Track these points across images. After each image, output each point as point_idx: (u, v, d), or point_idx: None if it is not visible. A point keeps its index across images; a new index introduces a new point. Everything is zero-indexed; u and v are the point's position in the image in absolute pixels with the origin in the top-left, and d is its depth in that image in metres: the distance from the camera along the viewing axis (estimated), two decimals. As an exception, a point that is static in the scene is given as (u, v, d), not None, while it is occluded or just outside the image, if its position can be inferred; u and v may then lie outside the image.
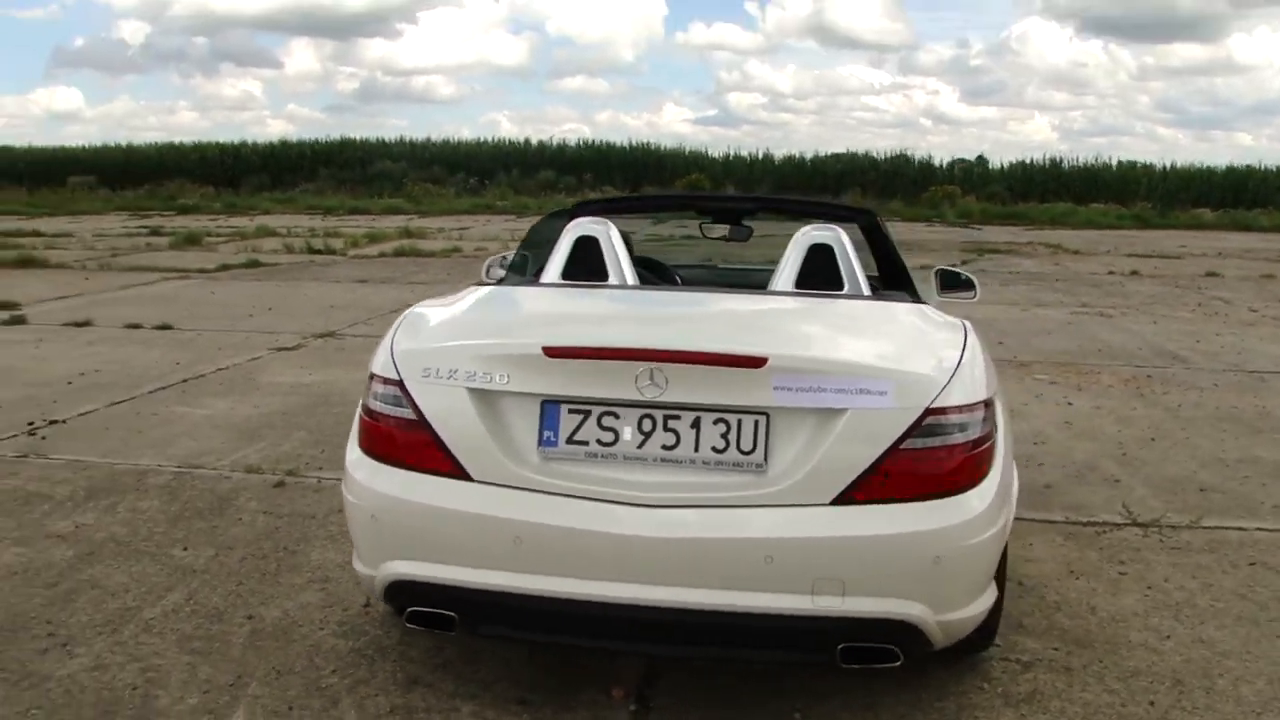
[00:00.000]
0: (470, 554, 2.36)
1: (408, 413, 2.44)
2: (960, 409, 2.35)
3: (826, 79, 68.60)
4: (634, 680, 2.71)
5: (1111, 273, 12.98)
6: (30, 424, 5.07)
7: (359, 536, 2.54)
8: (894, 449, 2.28)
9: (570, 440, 2.36)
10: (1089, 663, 2.86)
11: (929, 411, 2.30)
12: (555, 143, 39.88)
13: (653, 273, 3.96)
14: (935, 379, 2.35)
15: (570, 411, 2.36)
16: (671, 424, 2.33)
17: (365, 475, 2.50)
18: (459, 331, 2.64)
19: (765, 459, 2.30)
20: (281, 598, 3.20)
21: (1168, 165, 32.02)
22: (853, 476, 2.27)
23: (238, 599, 3.19)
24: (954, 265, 4.26)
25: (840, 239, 3.13)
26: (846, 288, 3.08)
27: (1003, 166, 33.20)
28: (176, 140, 42.10)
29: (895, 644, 2.30)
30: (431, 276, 11.73)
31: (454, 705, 2.60)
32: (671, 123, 62.01)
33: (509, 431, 2.39)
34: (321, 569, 3.41)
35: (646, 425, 2.34)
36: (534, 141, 40.31)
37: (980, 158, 35.64)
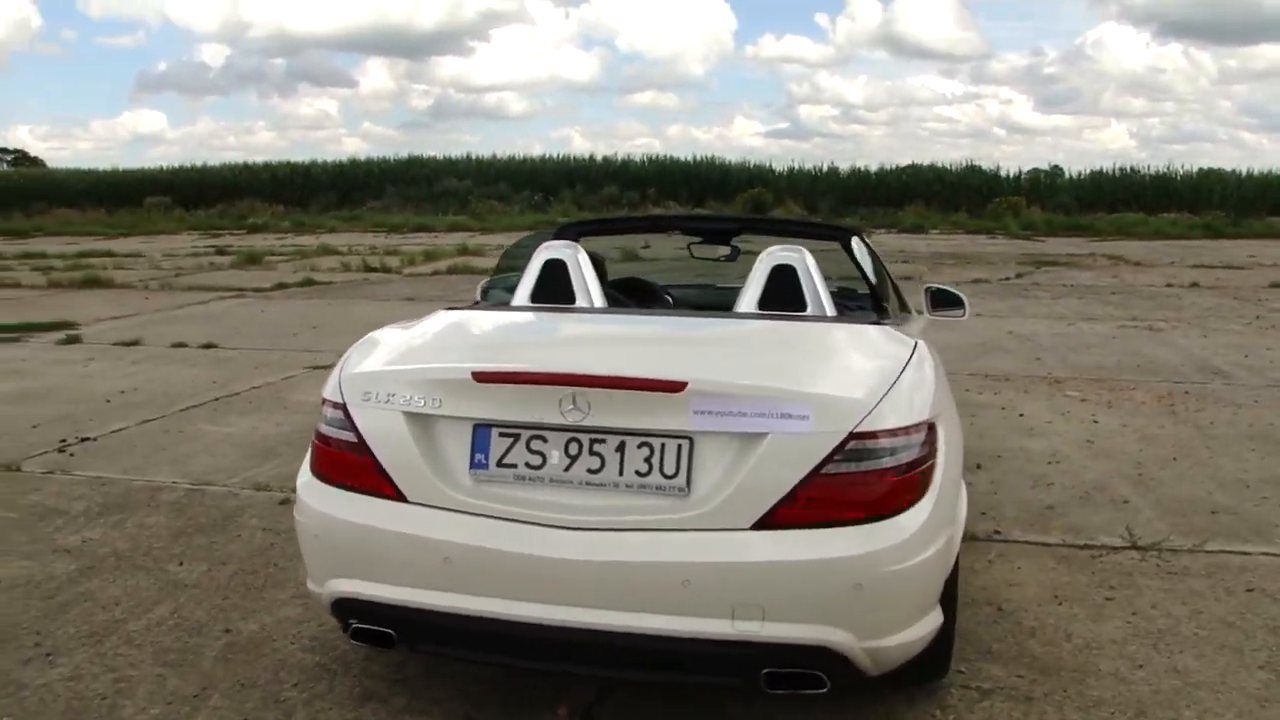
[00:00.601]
0: (405, 573, 2.41)
1: (350, 436, 2.51)
2: (890, 433, 2.33)
3: (898, 90, 68.03)
4: (581, 700, 2.73)
5: (1170, 285, 12.62)
6: (62, 441, 5.29)
7: (306, 555, 2.62)
8: (815, 473, 2.27)
9: (500, 463, 2.40)
10: (1051, 691, 2.80)
11: (852, 436, 2.29)
12: (620, 158, 40.14)
13: (642, 294, 4.00)
14: (862, 402, 2.33)
15: (500, 435, 2.41)
16: (597, 448, 2.36)
17: (312, 496, 2.58)
18: (400, 356, 2.70)
19: (688, 483, 2.31)
20: (262, 612, 3.29)
21: (1243, 172, 31.06)
22: (772, 501, 2.26)
23: (220, 613, 3.29)
24: (945, 284, 4.21)
25: (804, 260, 3.12)
26: (809, 308, 3.08)
27: (1077, 176, 32.64)
28: (254, 160, 43.37)
29: (821, 670, 2.29)
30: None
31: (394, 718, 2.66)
32: (742, 136, 62.03)
33: (443, 454, 2.44)
34: (305, 585, 3.49)
35: (573, 449, 2.37)
36: (599, 157, 40.67)
37: (1055, 167, 35.02)
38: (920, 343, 2.85)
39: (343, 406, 2.54)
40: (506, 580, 2.33)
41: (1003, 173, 32.89)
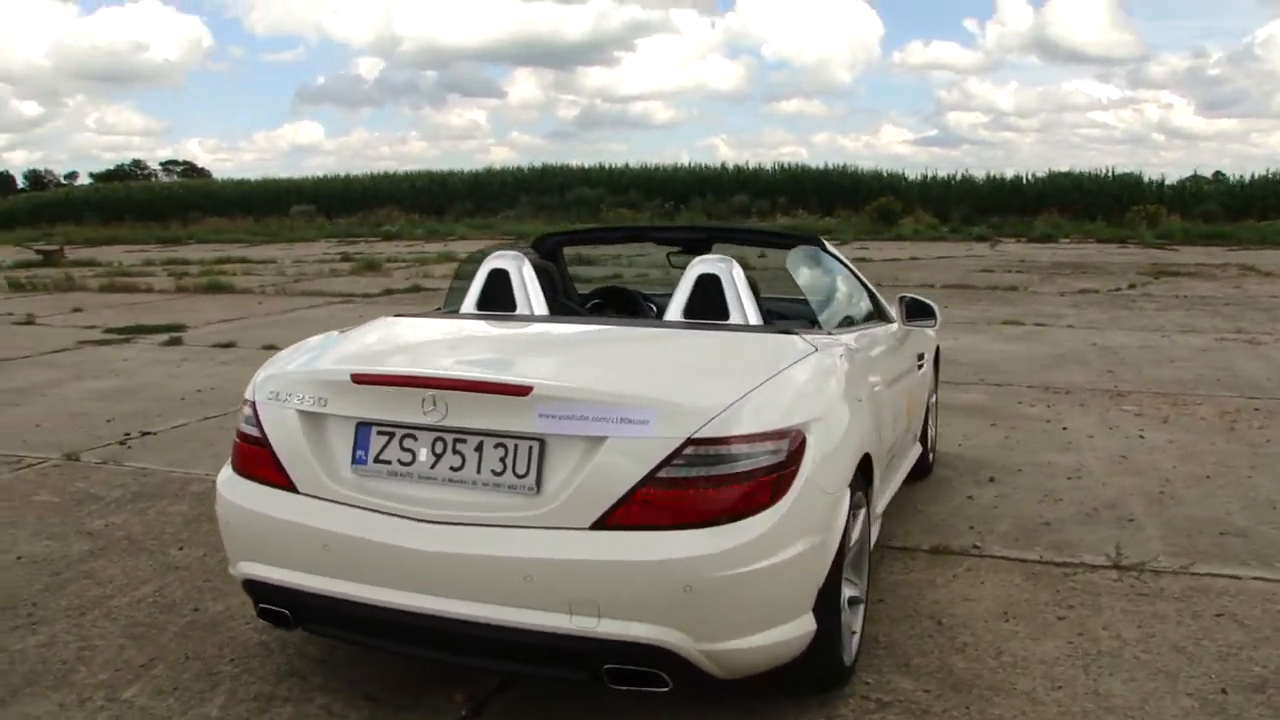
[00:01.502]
0: (295, 558, 2.59)
1: (256, 431, 2.71)
2: (734, 440, 2.35)
3: (1050, 95, 65.64)
4: (479, 689, 2.84)
5: (1297, 296, 11.80)
6: (126, 434, 5.75)
7: (224, 540, 2.83)
8: (651, 477, 2.32)
9: (377, 459, 2.54)
10: (952, 708, 2.74)
11: (690, 441, 2.33)
12: (751, 166, 40.07)
13: (623, 303, 4.08)
14: (704, 409, 2.37)
15: (378, 433, 2.55)
16: (459, 447, 2.47)
17: (226, 487, 2.79)
18: (306, 359, 2.87)
19: (538, 483, 2.40)
20: (231, 595, 3.52)
21: None
22: (610, 503, 2.33)
23: (196, 593, 3.55)
24: (919, 294, 4.13)
25: (730, 270, 3.15)
26: (731, 316, 3.11)
27: (1241, 180, 30.49)
28: (404, 169, 45.21)
29: (660, 669, 2.34)
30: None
31: (310, 696, 2.82)
32: (890, 144, 60.92)
33: (330, 450, 2.60)
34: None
35: (439, 447, 2.49)
36: (730, 166, 40.69)
37: (1218, 174, 33.02)
38: (815, 355, 2.84)
39: (253, 404, 2.74)
40: (375, 568, 2.47)
41: (1149, 179, 31.29)
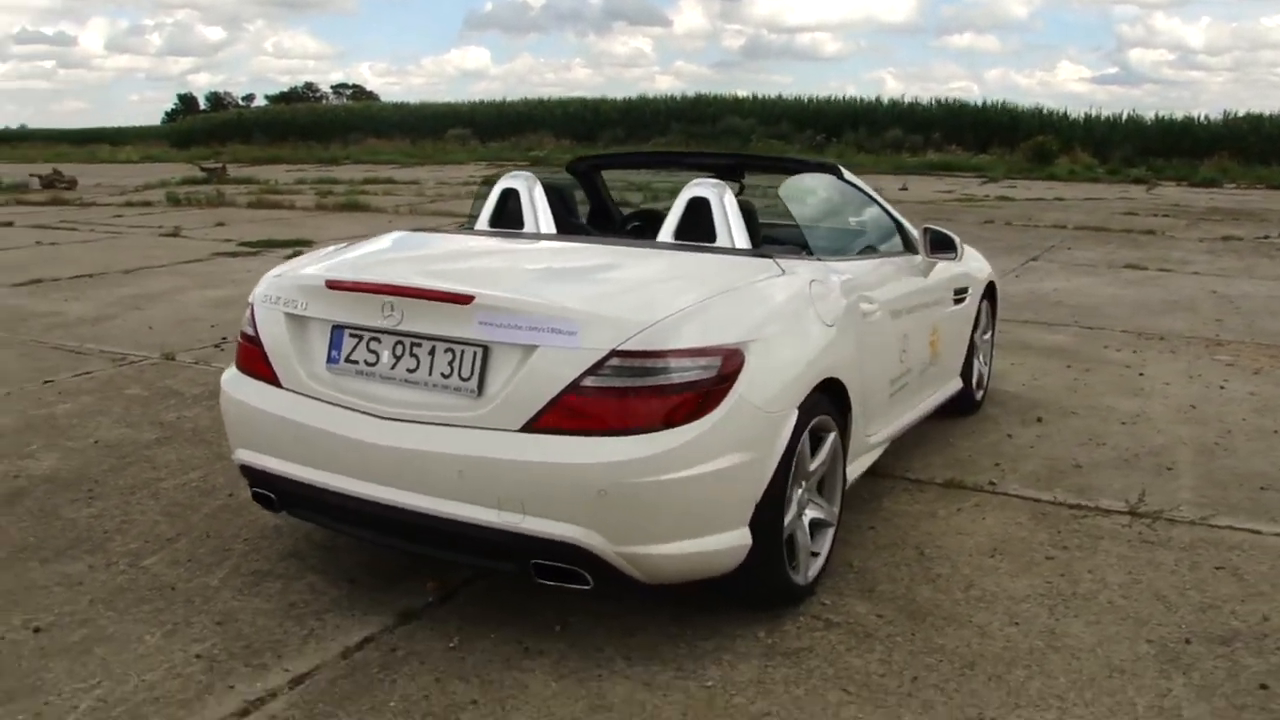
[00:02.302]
0: (278, 448, 2.82)
1: (252, 331, 2.94)
2: (660, 354, 2.42)
3: (1245, 32, 60.33)
4: (451, 580, 3.03)
5: None
6: (223, 338, 6.20)
7: (226, 429, 3.08)
8: (575, 385, 2.42)
9: (347, 359, 2.73)
10: (897, 634, 2.77)
11: (615, 353, 2.41)
12: (907, 100, 38.69)
13: (656, 222, 4.13)
14: (631, 323, 2.44)
15: (350, 335, 2.73)
16: (415, 350, 2.63)
17: (228, 382, 3.03)
18: (301, 266, 3.06)
19: (480, 386, 2.53)
20: (266, 484, 3.84)
21: None
22: (537, 407, 2.44)
23: (234, 482, 3.85)
24: (941, 227, 3.99)
25: (719, 194, 3.17)
26: (719, 239, 3.14)
27: None
28: (559, 95, 45.61)
29: (581, 568, 2.46)
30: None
31: (302, 575, 3.08)
32: (1066, 81, 57.56)
33: (310, 349, 2.80)
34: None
35: (399, 350, 2.65)
36: (885, 100, 39.38)
37: None
38: (784, 277, 2.87)
39: (251, 307, 2.96)
40: (340, 460, 2.67)
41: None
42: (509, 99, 45.60)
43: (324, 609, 2.88)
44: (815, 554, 3.00)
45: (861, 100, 39.93)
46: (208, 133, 46.99)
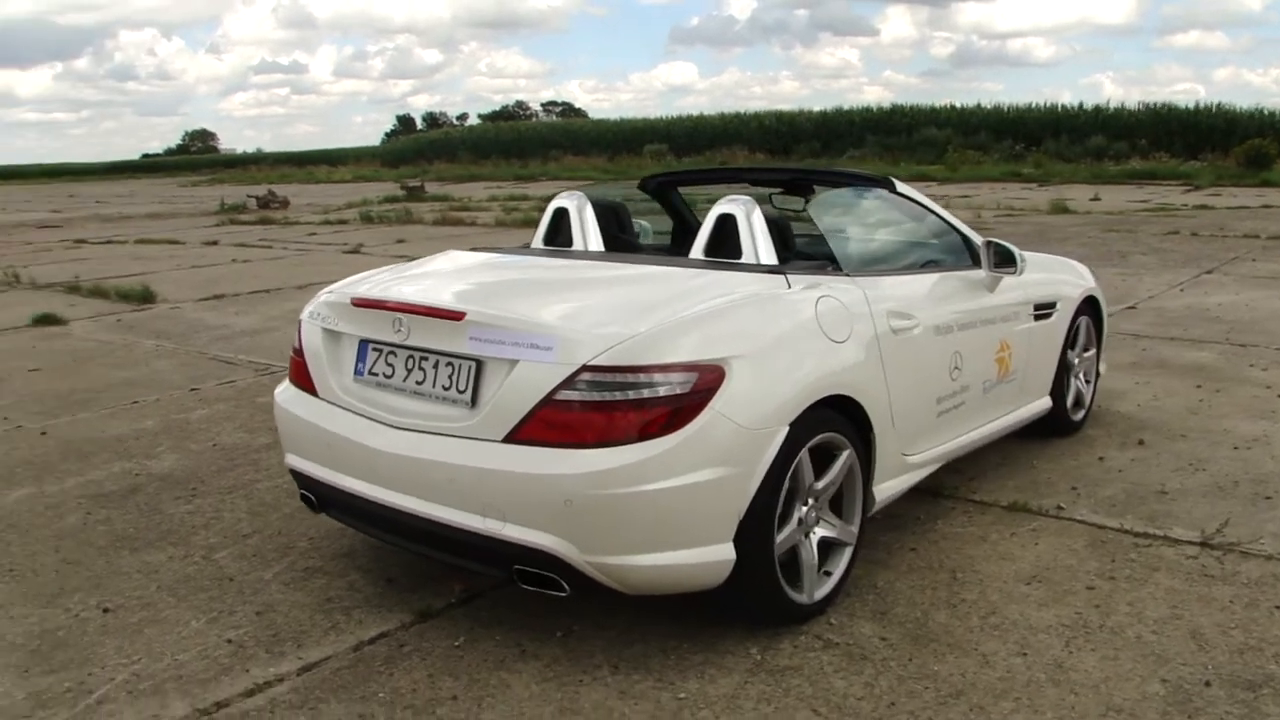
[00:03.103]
0: (314, 453, 3.06)
1: (299, 345, 3.20)
2: (631, 369, 2.49)
3: None
4: (478, 584, 3.18)
5: None
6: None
7: (280, 436, 3.36)
8: (549, 399, 2.52)
9: (370, 372, 2.94)
10: (894, 658, 2.71)
11: (586, 368, 2.49)
12: (1111, 106, 36.62)
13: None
14: (603, 339, 2.51)
15: (373, 349, 2.94)
16: (423, 364, 2.80)
17: (279, 393, 3.31)
18: (344, 285, 3.28)
19: (473, 399, 2.67)
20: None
21: None
22: (517, 419, 2.56)
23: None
24: (1002, 241, 3.76)
25: (746, 210, 3.20)
26: (744, 255, 3.17)
27: None
28: (753, 109, 45.71)
29: (557, 575, 2.55)
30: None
31: (346, 573, 3.32)
32: (1309, 77, 52.55)
33: (341, 362, 3.03)
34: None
35: (410, 364, 2.83)
36: (1088, 106, 37.41)
37: None
38: (791, 293, 2.90)
39: (299, 323, 3.23)
40: (359, 465, 2.88)
41: None
42: (706, 114, 46.10)
43: (355, 605, 3.10)
44: (828, 573, 2.98)
45: (1063, 107, 38.19)
46: (416, 152, 49.97)
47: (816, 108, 42.73)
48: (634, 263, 3.27)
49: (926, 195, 3.96)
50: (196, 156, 79.99)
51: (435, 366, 2.78)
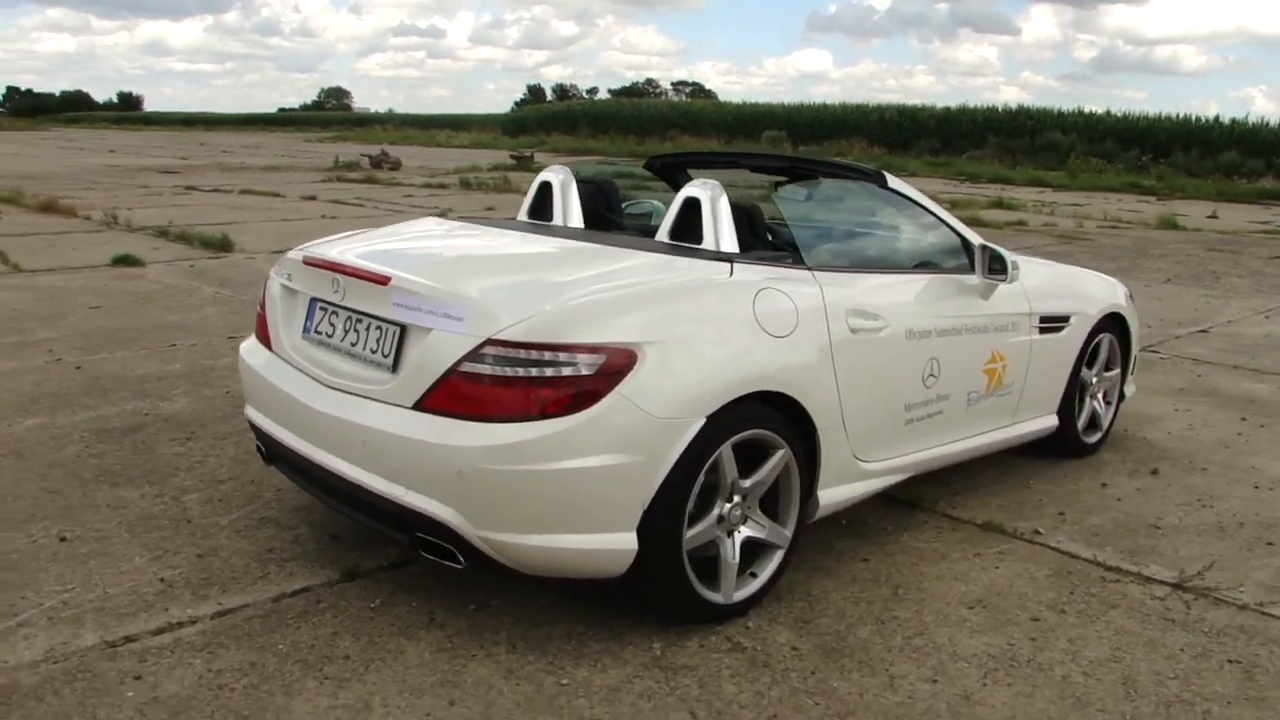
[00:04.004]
0: (264, 405, 3.13)
1: (263, 300, 3.27)
2: (534, 345, 2.46)
3: None
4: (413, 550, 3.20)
5: None
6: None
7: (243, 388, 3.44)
8: (455, 369, 2.51)
9: (315, 330, 2.98)
10: (796, 670, 2.62)
11: (489, 342, 2.47)
12: (1249, 121, 34.56)
13: None
14: (512, 313, 2.49)
15: (319, 308, 2.98)
16: (358, 325, 2.83)
17: (243, 346, 3.38)
18: (314, 243, 3.32)
19: (395, 364, 2.68)
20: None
21: None
22: (425, 387, 2.56)
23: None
24: (995, 247, 3.55)
25: (710, 194, 3.12)
26: (704, 239, 3.09)
27: None
28: (905, 102, 44.74)
29: (452, 545, 2.55)
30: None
31: (296, 526, 3.39)
32: None
33: (293, 318, 3.09)
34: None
35: (348, 325, 2.87)
36: (1225, 119, 35.36)
37: None
38: (726, 281, 2.82)
39: (265, 280, 3.30)
40: (297, 421, 2.93)
41: None
42: (829, 103, 45.28)
43: (292, 558, 3.16)
44: (754, 575, 2.90)
45: (1197, 120, 36.17)
46: (538, 122, 50.45)
47: (954, 104, 41.43)
48: (588, 240, 3.23)
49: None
50: (329, 113, 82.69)
51: (367, 329, 2.80)
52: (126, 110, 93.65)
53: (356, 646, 2.67)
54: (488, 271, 2.89)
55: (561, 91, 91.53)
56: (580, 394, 2.48)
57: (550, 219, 3.62)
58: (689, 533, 2.68)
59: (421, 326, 2.62)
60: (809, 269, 3.10)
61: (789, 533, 2.96)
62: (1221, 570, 3.27)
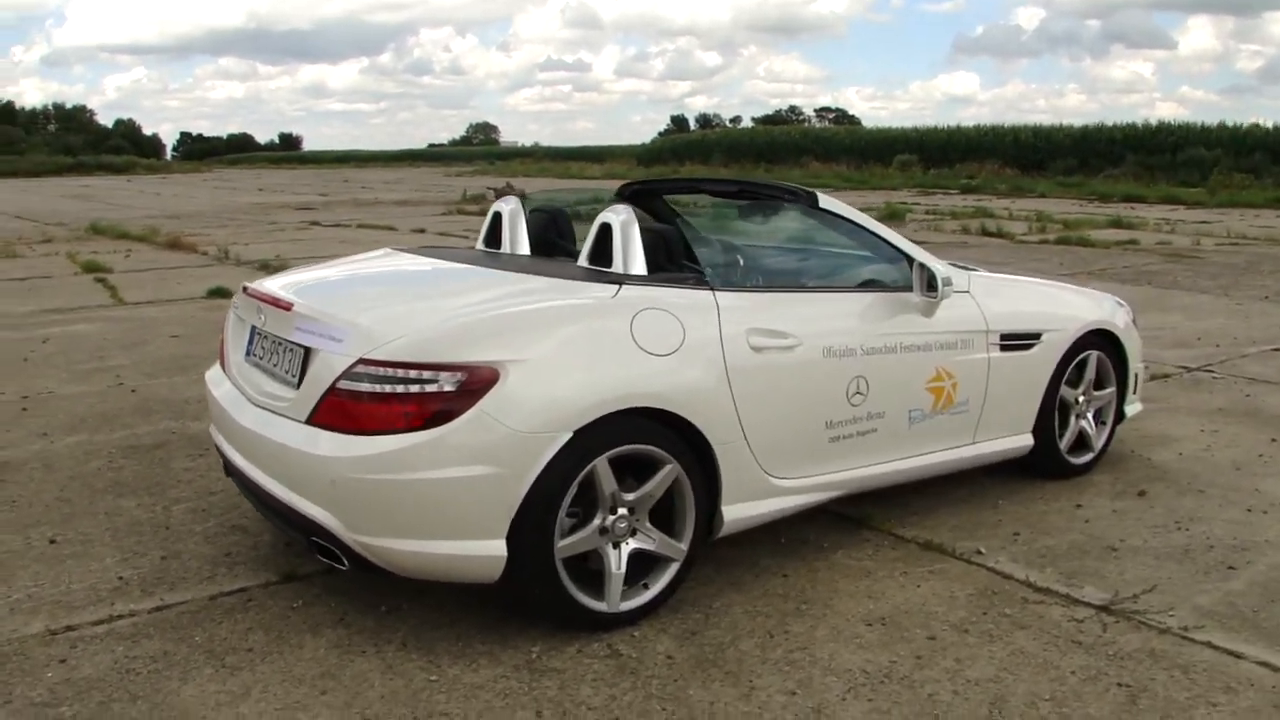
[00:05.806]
0: (216, 422, 3.42)
1: (225, 328, 3.58)
2: (398, 364, 2.64)
3: None
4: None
5: None
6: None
7: None
8: (334, 386, 2.72)
9: (252, 353, 3.25)
10: (658, 677, 2.69)
11: (362, 361, 2.67)
12: None
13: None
14: (381, 335, 2.69)
15: (258, 334, 3.25)
16: (277, 348, 3.08)
17: (209, 371, 3.68)
18: (274, 276, 3.60)
19: (299, 383, 2.90)
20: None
21: None
22: (313, 403, 2.78)
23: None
24: (929, 264, 3.49)
25: (620, 219, 3.23)
26: (614, 263, 3.21)
27: None
28: (1050, 122, 43.41)
29: (336, 549, 2.74)
30: (996, 260, 11.37)
31: (261, 533, 3.64)
32: None
33: (240, 343, 3.36)
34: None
35: (272, 348, 3.12)
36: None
37: None
38: (597, 303, 2.92)
39: (229, 311, 3.61)
40: (234, 436, 3.20)
41: None
42: (966, 125, 44.20)
43: (243, 561, 3.42)
44: (646, 586, 2.98)
45: (1361, 129, 33.51)
46: (673, 152, 51.06)
47: (1109, 122, 39.77)
48: (501, 268, 3.37)
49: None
50: (474, 148, 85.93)
51: (283, 352, 3.04)
52: (286, 150, 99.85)
53: (264, 641, 2.89)
54: (381, 298, 3.11)
55: (705, 121, 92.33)
56: (443, 409, 2.64)
57: (499, 247, 3.80)
58: (563, 542, 2.79)
59: (315, 348, 2.85)
60: (710, 289, 3.17)
61: (684, 546, 3.02)
62: (1161, 594, 3.14)
